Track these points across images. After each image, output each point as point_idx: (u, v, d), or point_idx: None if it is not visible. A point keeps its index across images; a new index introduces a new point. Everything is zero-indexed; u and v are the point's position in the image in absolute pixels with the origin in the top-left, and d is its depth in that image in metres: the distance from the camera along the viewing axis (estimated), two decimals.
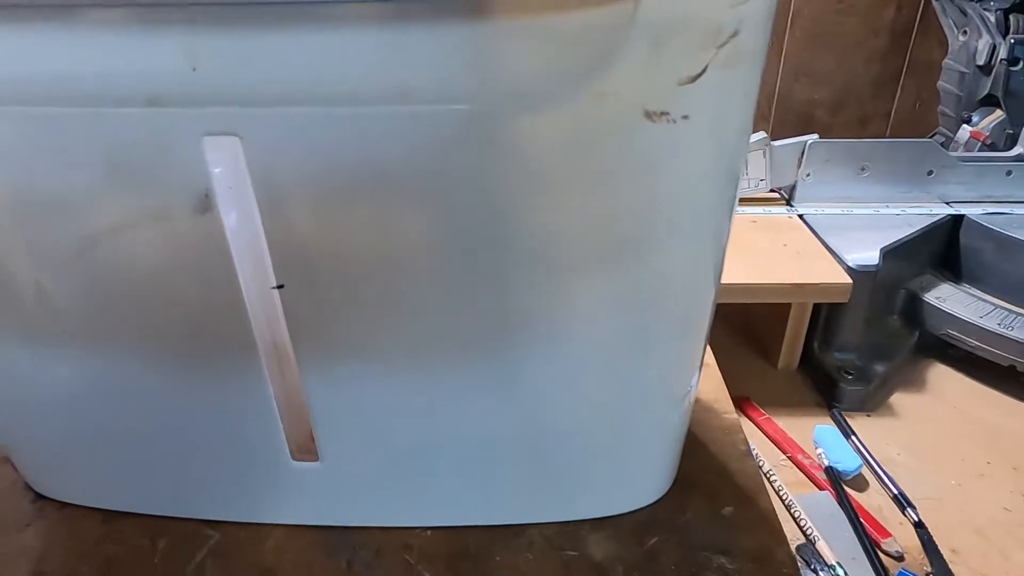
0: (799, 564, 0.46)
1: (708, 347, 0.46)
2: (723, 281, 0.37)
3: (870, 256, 0.60)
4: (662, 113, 0.23)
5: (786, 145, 0.68)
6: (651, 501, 0.36)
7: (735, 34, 0.22)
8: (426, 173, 0.24)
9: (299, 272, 0.26)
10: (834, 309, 0.61)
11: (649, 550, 0.33)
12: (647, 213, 0.25)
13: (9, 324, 0.29)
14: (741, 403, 0.61)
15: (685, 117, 0.23)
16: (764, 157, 0.68)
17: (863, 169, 0.69)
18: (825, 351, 0.63)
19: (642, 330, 0.29)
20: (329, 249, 0.26)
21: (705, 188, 0.26)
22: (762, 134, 0.67)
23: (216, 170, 0.24)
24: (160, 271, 0.26)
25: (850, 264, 0.59)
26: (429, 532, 0.34)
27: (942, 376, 0.65)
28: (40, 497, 0.37)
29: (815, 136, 0.68)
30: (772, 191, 0.72)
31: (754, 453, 0.53)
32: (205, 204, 0.25)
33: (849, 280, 0.57)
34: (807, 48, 1.02)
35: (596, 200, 0.25)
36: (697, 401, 0.43)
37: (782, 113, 1.08)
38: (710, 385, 0.44)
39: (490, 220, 0.25)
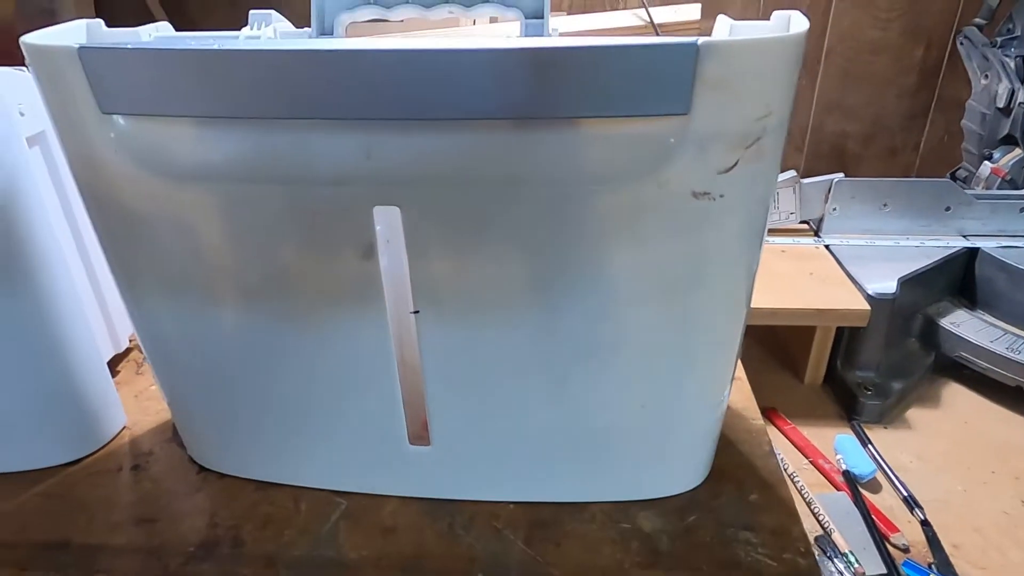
0: (816, 553, 0.53)
1: (739, 362, 0.55)
2: (755, 305, 0.45)
3: (888, 285, 0.67)
4: (705, 193, 0.32)
5: (814, 183, 0.76)
6: (690, 488, 0.44)
7: (759, 139, 0.31)
8: (528, 233, 0.33)
9: (432, 301, 0.36)
10: (855, 331, 0.69)
11: (688, 525, 0.41)
12: (692, 262, 0.34)
13: (197, 329, 0.39)
14: (769, 413, 0.68)
15: (721, 196, 0.32)
16: (794, 193, 0.75)
17: (885, 205, 0.76)
18: (847, 369, 0.71)
19: (685, 348, 0.37)
20: (455, 287, 0.35)
21: (736, 243, 0.34)
22: (792, 173, 0.75)
23: (378, 228, 0.34)
24: (332, 293, 0.36)
25: (870, 292, 0.66)
26: (511, 506, 0.43)
27: (955, 394, 0.72)
28: (203, 469, 0.47)
29: (841, 175, 0.76)
30: (801, 223, 0.79)
31: (778, 456, 0.61)
32: (368, 252, 0.34)
33: (868, 307, 0.64)
34: (839, 84, 1.09)
35: (655, 252, 0.33)
36: (729, 408, 0.51)
37: (815, 144, 1.15)
38: (740, 395, 0.52)
39: (574, 267, 0.34)
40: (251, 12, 0.43)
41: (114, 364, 0.56)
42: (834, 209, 0.77)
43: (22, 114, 0.42)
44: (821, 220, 0.78)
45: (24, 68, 0.36)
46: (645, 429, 0.40)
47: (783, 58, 0.30)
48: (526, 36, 0.41)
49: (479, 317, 0.36)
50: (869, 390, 0.68)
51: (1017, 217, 0.76)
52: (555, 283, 0.35)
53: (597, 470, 0.42)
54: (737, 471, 0.45)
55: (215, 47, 0.30)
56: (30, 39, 0.32)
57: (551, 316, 0.35)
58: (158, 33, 0.42)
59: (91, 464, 0.47)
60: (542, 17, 0.38)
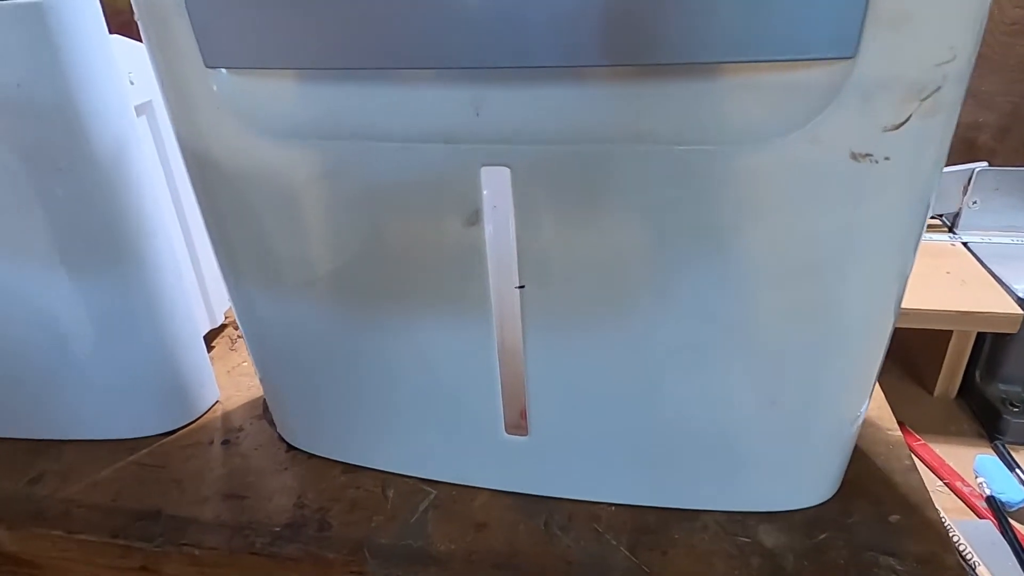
0: None
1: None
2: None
3: None
4: (867, 155, 0.27)
5: (951, 172, 0.68)
6: (817, 502, 0.39)
7: (938, 89, 0.26)
8: (657, 200, 0.29)
9: (540, 276, 0.32)
10: (1000, 339, 0.61)
11: (818, 544, 0.36)
12: (846, 239, 0.29)
13: (294, 303, 0.38)
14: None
15: (887, 158, 0.27)
16: None
17: None
18: (988, 381, 0.63)
19: (828, 341, 0.32)
20: (566, 260, 0.32)
21: (898, 221, 0.29)
22: None
23: (485, 192, 0.31)
24: (432, 265, 0.33)
25: (1021, 295, 0.58)
26: (613, 507, 0.39)
27: None
28: (291, 448, 0.45)
29: (984, 164, 0.67)
30: (933, 217, 0.71)
31: None
32: (474, 218, 0.31)
33: (1020, 311, 0.56)
34: (973, 70, 0.99)
35: (803, 226, 0.29)
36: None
37: None
38: (874, 404, 0.46)
39: (708, 240, 0.30)
40: None
41: (209, 339, 0.56)
42: (974, 202, 0.68)
43: (132, 83, 0.42)
44: (957, 215, 0.69)
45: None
46: (772, 431, 0.36)
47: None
48: None
49: (590, 295, 0.32)
50: (1016, 407, 0.59)
51: None
52: (680, 258, 0.31)
53: (712, 474, 0.38)
54: (873, 486, 0.40)
55: None
56: None
57: (673, 296, 0.32)
58: None
59: (184, 436, 0.47)
60: None
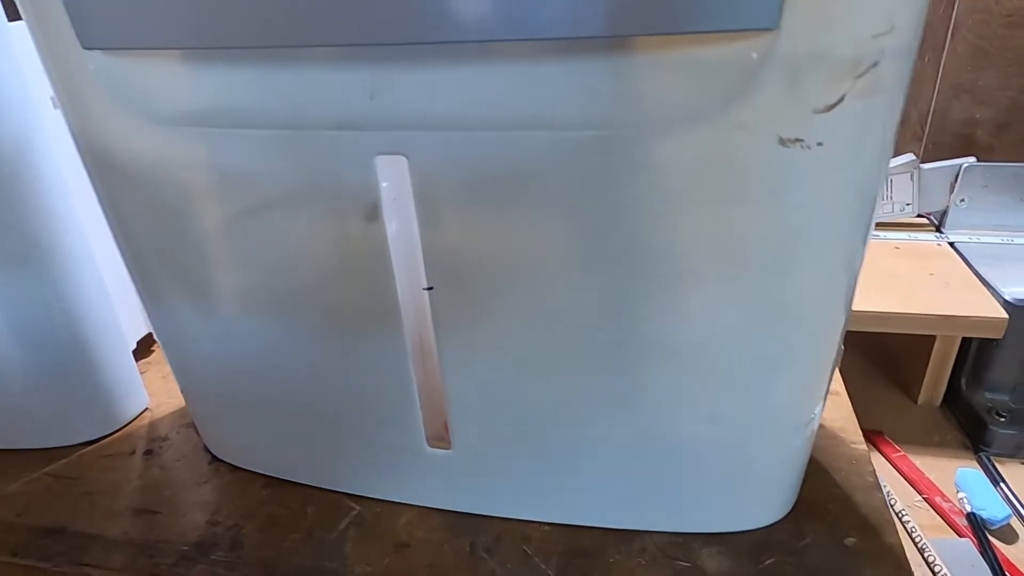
0: None
1: (838, 374, 0.45)
2: (862, 308, 0.36)
3: None
4: (796, 140, 0.24)
5: (937, 168, 0.64)
6: (767, 523, 0.36)
7: (875, 64, 0.23)
8: (567, 192, 0.26)
9: (448, 276, 0.29)
10: (986, 344, 0.57)
11: (765, 569, 0.33)
12: (778, 235, 0.26)
13: (200, 308, 0.35)
14: (872, 437, 0.58)
15: (820, 144, 0.24)
16: (911, 181, 0.64)
17: None
18: (974, 389, 0.59)
19: (766, 350, 0.29)
20: (475, 257, 0.29)
21: (838, 213, 0.26)
22: (910, 156, 0.64)
23: (384, 184, 0.28)
24: (332, 266, 0.30)
25: (1007, 297, 0.55)
26: (546, 527, 0.36)
27: None
28: (216, 459, 0.43)
29: (972, 159, 0.64)
30: (919, 216, 0.68)
31: (885, 489, 0.51)
32: (373, 213, 0.28)
33: (1005, 315, 0.53)
34: (969, 63, 0.95)
35: (728, 221, 0.26)
36: (823, 428, 0.42)
37: (938, 132, 1.00)
38: (838, 413, 0.43)
39: (624, 236, 0.27)
40: None
41: (148, 344, 0.53)
42: (962, 200, 0.65)
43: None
44: (945, 213, 0.66)
45: None
46: (714, 445, 0.32)
47: None
48: None
49: (503, 298, 0.29)
50: (1003, 416, 0.56)
51: None
52: (601, 257, 0.28)
53: (651, 493, 0.35)
54: (830, 506, 0.36)
55: None
56: None
57: (592, 300, 0.28)
58: None
59: (106, 446, 0.44)
60: None
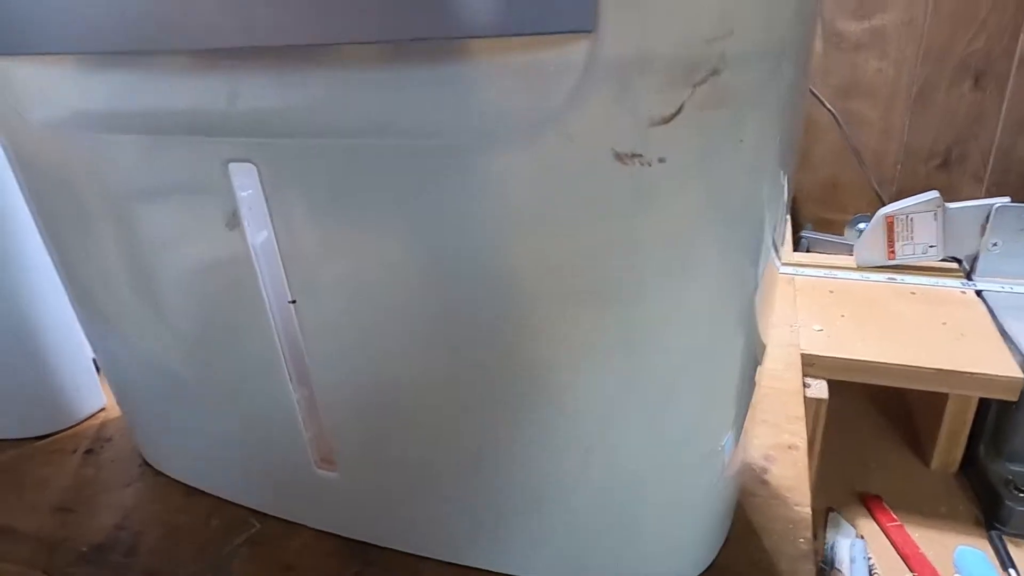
0: None
1: (801, 427, 0.41)
2: (857, 357, 0.32)
3: None
4: (634, 155, 0.22)
5: (965, 208, 0.58)
6: None
7: (715, 72, 0.20)
8: (412, 202, 0.25)
9: (309, 289, 0.28)
10: (1007, 407, 0.50)
11: None
12: (629, 257, 0.24)
13: (107, 314, 0.35)
14: (868, 501, 0.52)
15: (661, 160, 0.22)
16: (935, 220, 0.59)
17: None
18: (993, 457, 0.52)
19: (642, 384, 0.26)
20: (332, 271, 0.28)
21: (696, 234, 0.23)
22: (934, 193, 0.59)
23: (243, 193, 0.27)
24: (202, 275, 0.30)
25: None
26: (444, 566, 0.34)
27: None
28: (145, 464, 0.43)
29: (1006, 199, 0.57)
30: (951, 260, 0.62)
31: (868, 563, 0.45)
32: (233, 221, 0.28)
33: (1021, 375, 0.47)
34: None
35: (575, 241, 0.24)
36: (767, 485, 0.38)
37: (1001, 172, 0.92)
38: (792, 471, 0.39)
39: (475, 254, 0.25)
40: None
41: None
42: (994, 244, 0.58)
43: None
44: (976, 258, 0.59)
45: None
46: (591, 486, 0.30)
47: None
48: None
49: (363, 314, 0.28)
50: (1022, 491, 0.49)
51: None
52: (451, 275, 0.26)
53: (536, 537, 0.32)
54: (751, 572, 0.32)
55: None
56: None
57: (448, 321, 0.27)
58: None
59: (53, 442, 0.46)
60: None
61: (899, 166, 0.94)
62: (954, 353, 0.49)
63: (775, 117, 0.23)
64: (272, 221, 0.27)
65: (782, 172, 0.24)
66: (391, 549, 0.35)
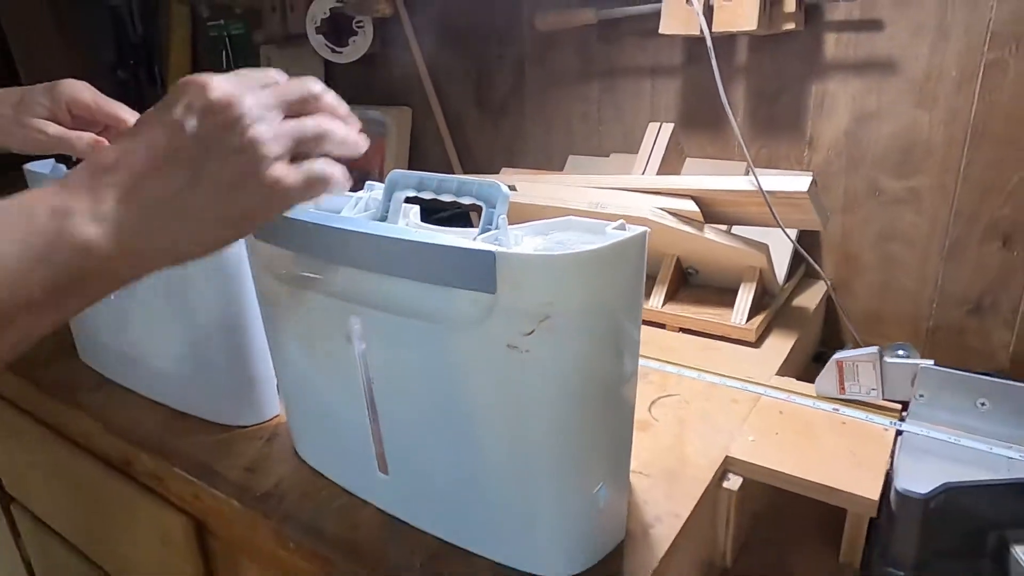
0: None
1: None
2: (761, 464, 0.55)
3: (924, 485, 0.64)
4: (515, 347, 0.47)
5: (897, 364, 0.74)
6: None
7: (547, 317, 0.45)
8: (422, 347, 0.52)
9: (379, 376, 0.56)
10: (889, 521, 0.66)
11: None
12: (514, 401, 0.48)
13: (290, 373, 0.66)
14: None
15: (527, 351, 0.46)
16: (874, 369, 0.75)
17: (982, 403, 0.70)
18: (879, 561, 0.68)
19: (538, 460, 0.51)
20: (390, 370, 0.55)
21: (547, 395, 0.47)
22: (873, 349, 0.75)
23: (355, 327, 0.56)
24: (333, 361, 0.59)
25: (897, 486, 0.64)
26: (434, 538, 0.60)
27: None
28: (295, 452, 0.73)
29: (930, 362, 0.73)
30: (892, 400, 0.77)
31: None
32: (349, 339, 0.56)
33: (874, 498, 0.63)
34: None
35: (490, 382, 0.49)
36: (646, 535, 0.59)
37: None
38: (665, 531, 0.60)
39: (451, 382, 0.51)
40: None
41: None
42: (920, 395, 0.73)
43: None
44: (907, 404, 0.74)
45: None
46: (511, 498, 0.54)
47: (560, 267, 0.44)
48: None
49: (405, 396, 0.55)
50: None
51: None
52: (444, 389, 0.52)
53: (481, 520, 0.56)
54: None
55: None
56: None
57: (447, 412, 0.53)
58: None
59: (249, 431, 0.77)
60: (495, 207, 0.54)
61: (935, 305, 1.07)
62: (836, 473, 0.66)
63: (587, 338, 0.46)
64: (365, 342, 0.55)
65: (600, 360, 0.48)
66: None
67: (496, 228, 0.48)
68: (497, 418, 0.50)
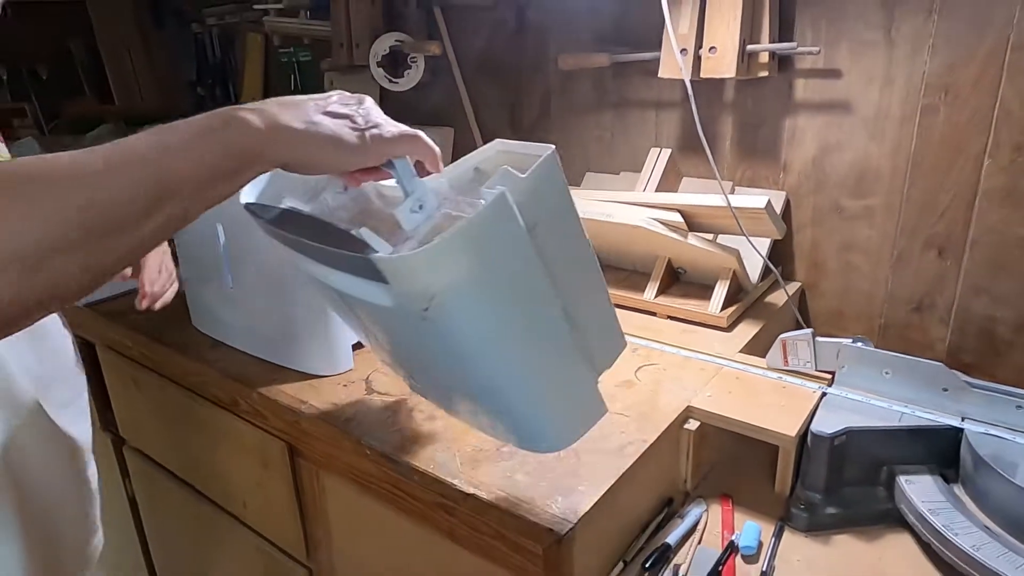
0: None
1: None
2: (712, 411, 0.79)
3: (833, 428, 0.85)
4: (424, 311, 0.69)
5: (825, 342, 0.96)
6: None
7: (433, 298, 0.68)
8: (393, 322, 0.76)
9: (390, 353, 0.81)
10: (808, 456, 0.88)
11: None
12: (451, 349, 0.72)
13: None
14: (722, 495, 0.92)
15: (435, 319, 0.69)
16: (809, 346, 0.97)
17: (887, 372, 0.92)
18: (800, 487, 0.90)
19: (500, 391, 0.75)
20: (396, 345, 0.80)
21: (455, 348, 0.71)
22: (808, 330, 0.97)
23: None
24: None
25: (812, 429, 0.86)
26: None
27: (900, 546, 0.83)
28: (369, 387, 0.98)
29: (847, 340, 0.94)
30: (824, 371, 0.99)
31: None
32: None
33: (792, 433, 0.85)
34: (988, 272, 1.16)
35: (414, 340, 0.73)
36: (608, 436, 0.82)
37: (962, 323, 1.21)
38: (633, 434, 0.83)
39: (414, 336, 0.75)
40: None
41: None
42: (843, 367, 0.94)
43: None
44: (835, 374, 0.96)
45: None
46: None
47: (424, 260, 0.66)
48: None
49: (408, 347, 0.80)
50: (803, 505, 0.86)
51: (1014, 412, 0.83)
52: (415, 341, 0.77)
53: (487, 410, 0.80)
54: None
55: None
56: None
57: (425, 354, 0.78)
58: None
59: (331, 379, 1.02)
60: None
61: (885, 305, 1.28)
62: (767, 418, 0.89)
63: (484, 294, 0.69)
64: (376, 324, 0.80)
65: (504, 304, 0.71)
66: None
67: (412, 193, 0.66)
68: (453, 362, 0.72)
